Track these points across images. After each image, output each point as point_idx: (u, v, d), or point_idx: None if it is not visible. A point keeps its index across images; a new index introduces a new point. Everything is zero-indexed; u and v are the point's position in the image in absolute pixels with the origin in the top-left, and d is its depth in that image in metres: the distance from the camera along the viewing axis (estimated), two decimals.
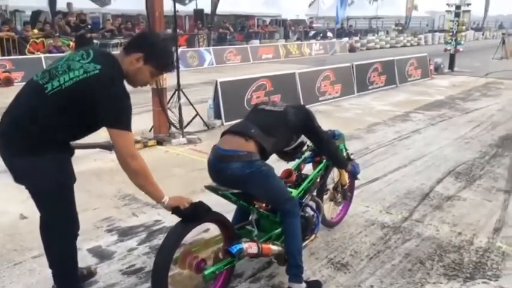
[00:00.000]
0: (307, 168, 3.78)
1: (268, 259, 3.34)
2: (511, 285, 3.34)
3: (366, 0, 46.15)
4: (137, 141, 6.72)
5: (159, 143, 6.95)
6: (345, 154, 3.96)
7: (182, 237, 2.71)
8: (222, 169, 2.94)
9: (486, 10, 45.71)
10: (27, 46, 15.43)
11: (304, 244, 3.30)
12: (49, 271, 2.91)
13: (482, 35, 43.58)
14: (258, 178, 2.92)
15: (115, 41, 17.28)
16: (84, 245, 3.74)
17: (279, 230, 3.23)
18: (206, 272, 2.77)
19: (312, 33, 31.23)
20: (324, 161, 3.74)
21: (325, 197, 3.93)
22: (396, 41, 31.95)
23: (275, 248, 3.11)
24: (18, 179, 2.58)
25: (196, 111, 7.79)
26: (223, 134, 3.16)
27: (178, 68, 7.37)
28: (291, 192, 3.33)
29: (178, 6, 8.49)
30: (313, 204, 3.57)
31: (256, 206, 3.14)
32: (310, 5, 43.61)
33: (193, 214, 2.65)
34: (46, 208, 2.65)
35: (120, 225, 4.22)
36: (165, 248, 2.66)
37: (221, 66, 18.40)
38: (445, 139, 7.46)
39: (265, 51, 21.73)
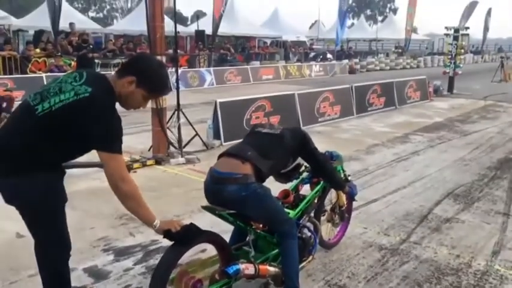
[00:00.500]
0: (305, 189, 3.78)
1: (265, 280, 3.32)
2: None
3: (366, 22, 46.65)
4: (136, 161, 6.75)
5: (158, 162, 6.95)
6: (342, 175, 3.96)
7: (177, 259, 2.70)
8: (218, 191, 2.95)
9: (485, 33, 46.14)
10: (29, 65, 15.54)
11: (301, 265, 3.29)
12: None
13: (482, 58, 43.86)
14: (254, 200, 2.92)
15: (116, 60, 17.42)
16: (80, 264, 3.72)
17: (276, 251, 3.22)
18: None
19: (312, 54, 31.46)
20: (322, 182, 3.74)
21: (322, 218, 3.92)
22: (396, 63, 32.13)
23: (272, 269, 3.09)
24: (9, 200, 2.57)
25: (195, 131, 7.82)
26: (220, 156, 3.18)
27: (178, 88, 7.43)
28: (289, 213, 3.33)
29: (180, 27, 8.58)
30: (311, 226, 3.57)
31: (253, 227, 3.14)
32: (310, 26, 44.12)
33: (184, 237, 2.64)
34: (37, 228, 2.63)
35: (116, 245, 4.20)
36: (160, 270, 2.64)
37: (221, 87, 18.50)
38: (444, 161, 7.47)
39: (265, 72, 21.88)
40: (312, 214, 3.68)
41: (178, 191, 5.76)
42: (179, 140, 7.29)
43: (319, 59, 29.07)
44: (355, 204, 4.44)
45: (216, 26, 22.58)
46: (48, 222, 2.60)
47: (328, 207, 4.03)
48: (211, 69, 19.89)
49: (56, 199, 2.61)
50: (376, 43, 38.92)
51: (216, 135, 8.20)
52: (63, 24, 18.43)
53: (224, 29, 24.54)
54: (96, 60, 16.99)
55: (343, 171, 4.06)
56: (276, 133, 3.27)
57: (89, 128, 2.43)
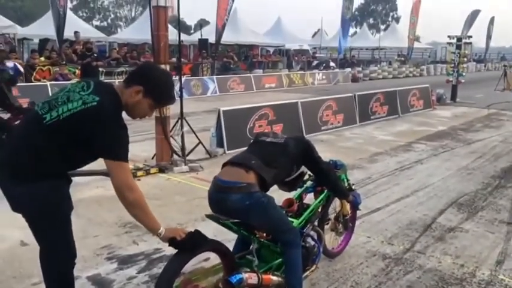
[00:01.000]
0: (309, 198, 3.78)
1: None
2: None
3: (368, 31, 46.77)
4: (139, 169, 6.76)
5: (161, 170, 6.96)
6: (346, 184, 3.96)
7: (181, 268, 2.70)
8: (222, 200, 2.96)
9: (488, 42, 46.21)
10: (34, 73, 15.62)
11: (304, 275, 3.28)
12: None
13: (484, 66, 43.89)
14: (257, 209, 2.93)
15: (120, 69, 17.54)
16: (83, 272, 3.72)
17: (279, 260, 3.21)
18: None
19: (315, 63, 31.52)
20: (326, 191, 3.74)
21: (326, 227, 3.91)
22: (399, 72, 32.16)
23: (275, 278, 3.08)
24: (15, 207, 2.59)
25: (198, 139, 7.83)
26: (224, 165, 3.19)
27: (181, 96, 7.46)
28: (292, 222, 3.32)
29: (183, 36, 8.63)
30: (315, 235, 3.57)
31: (257, 236, 3.13)
32: (313, 35, 44.31)
33: (189, 244, 2.64)
34: (43, 236, 2.64)
35: (120, 253, 4.21)
36: (164, 278, 2.64)
37: (224, 95, 18.54)
38: (447, 170, 7.45)
39: (268, 80, 21.92)
40: (316, 223, 3.68)
41: (181, 199, 5.77)
42: (182, 148, 7.31)
43: (322, 68, 29.14)
44: (358, 213, 4.44)
45: (219, 34, 22.66)
46: (54, 230, 2.61)
47: (332, 216, 4.03)
48: (214, 77, 19.95)
49: (63, 207, 2.62)
50: (379, 51, 39.03)
51: (219, 144, 8.21)
52: (68, 33, 18.56)
53: (227, 38, 24.60)
54: (100, 69, 17.07)
55: (347, 180, 4.06)
56: (280, 142, 3.28)
57: (96, 137, 2.45)
